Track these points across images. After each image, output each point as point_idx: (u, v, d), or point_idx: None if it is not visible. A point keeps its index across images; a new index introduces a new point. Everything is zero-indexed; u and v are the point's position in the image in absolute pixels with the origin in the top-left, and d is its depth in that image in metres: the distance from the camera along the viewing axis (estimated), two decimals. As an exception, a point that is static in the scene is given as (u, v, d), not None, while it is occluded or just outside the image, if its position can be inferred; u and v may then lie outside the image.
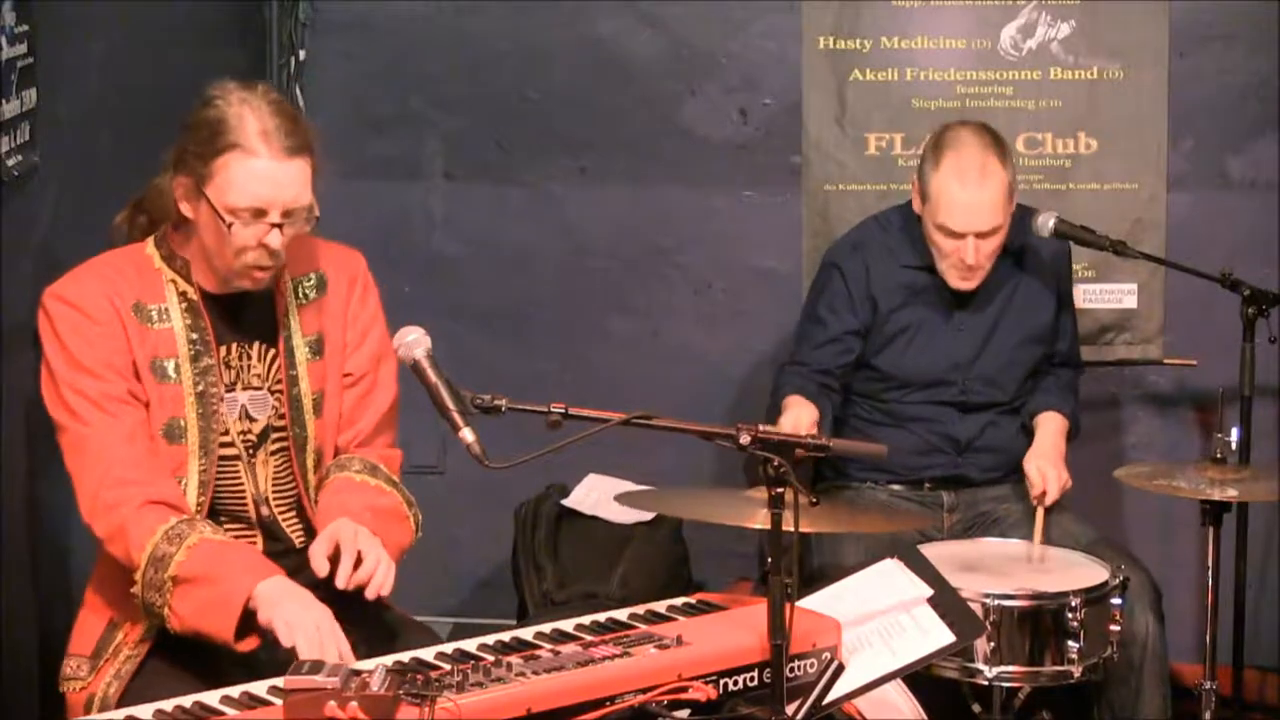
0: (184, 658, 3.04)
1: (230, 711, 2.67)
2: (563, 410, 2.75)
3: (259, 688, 2.74)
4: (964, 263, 4.08)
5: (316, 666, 2.55)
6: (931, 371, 4.22)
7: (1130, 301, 4.86)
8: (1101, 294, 4.84)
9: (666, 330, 4.95)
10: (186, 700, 2.70)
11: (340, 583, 2.98)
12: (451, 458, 4.86)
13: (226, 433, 3.17)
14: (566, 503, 4.59)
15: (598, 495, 4.57)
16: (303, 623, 2.87)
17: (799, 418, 3.98)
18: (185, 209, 3.10)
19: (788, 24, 4.82)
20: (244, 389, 3.19)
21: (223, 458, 3.16)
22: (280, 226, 3.06)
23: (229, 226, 3.03)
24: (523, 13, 4.85)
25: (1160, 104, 4.78)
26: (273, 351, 3.21)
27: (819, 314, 4.28)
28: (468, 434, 2.75)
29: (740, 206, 4.90)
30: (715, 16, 4.83)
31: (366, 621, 3.12)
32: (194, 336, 3.13)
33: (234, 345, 3.18)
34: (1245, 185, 4.81)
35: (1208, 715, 3.83)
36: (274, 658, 2.88)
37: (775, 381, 4.26)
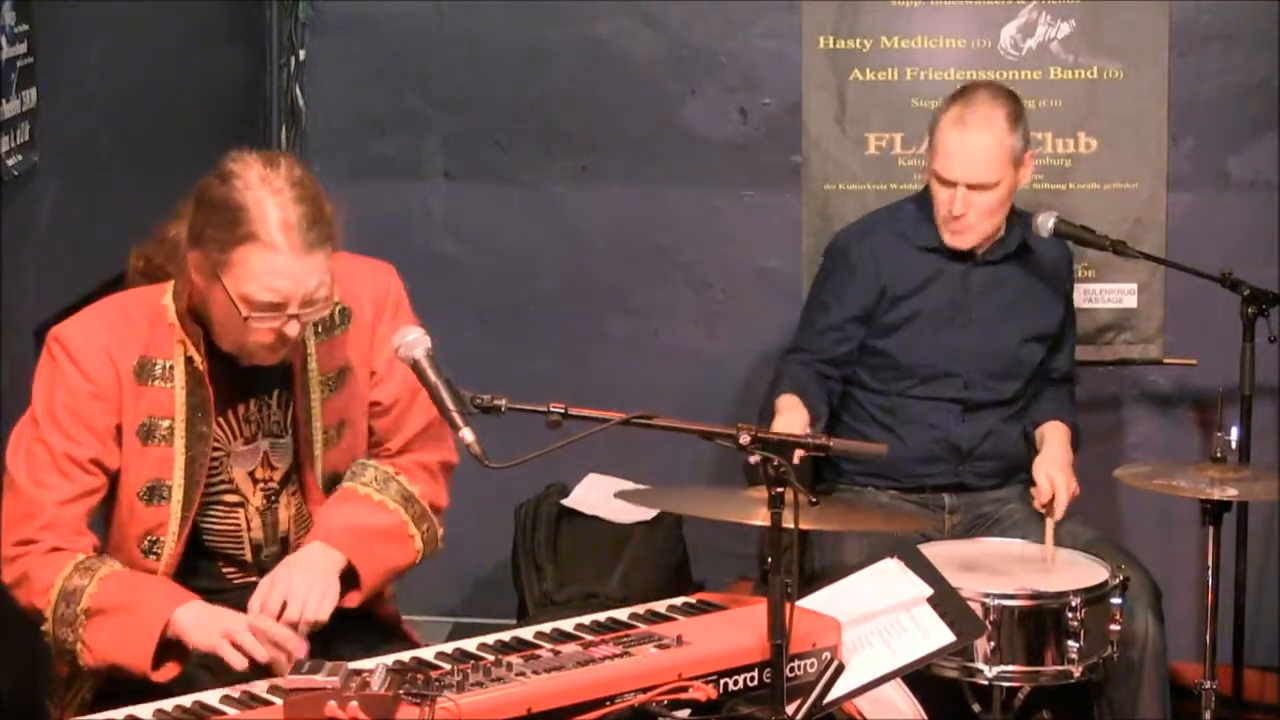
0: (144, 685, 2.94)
1: (230, 711, 2.67)
2: (563, 410, 2.75)
3: (259, 687, 2.74)
4: (953, 216, 4.09)
5: (316, 666, 2.55)
6: (937, 361, 4.20)
7: (1130, 301, 4.86)
8: (1101, 294, 4.84)
9: (666, 330, 4.95)
10: (186, 700, 2.70)
11: (260, 658, 2.86)
12: (451, 458, 4.86)
13: (230, 483, 3.09)
14: (566, 503, 4.59)
15: (598, 495, 4.57)
16: (218, 641, 2.83)
17: (790, 421, 3.96)
18: (199, 283, 2.95)
19: (788, 24, 4.82)
20: (265, 437, 3.10)
21: (222, 504, 3.09)
22: (298, 317, 2.92)
23: (245, 320, 2.89)
24: (523, 13, 4.85)
25: (1160, 104, 4.78)
26: (290, 398, 3.10)
27: (822, 299, 4.27)
28: (468, 434, 2.75)
29: (740, 206, 4.90)
30: (715, 16, 4.84)
31: (355, 627, 3.11)
32: (194, 403, 3.01)
33: (251, 400, 3.07)
34: (1245, 185, 4.81)
35: (1208, 715, 3.83)
36: (214, 678, 2.84)
37: (775, 370, 4.25)
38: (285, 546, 3.16)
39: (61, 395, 2.96)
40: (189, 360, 3.01)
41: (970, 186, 4.06)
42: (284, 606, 2.93)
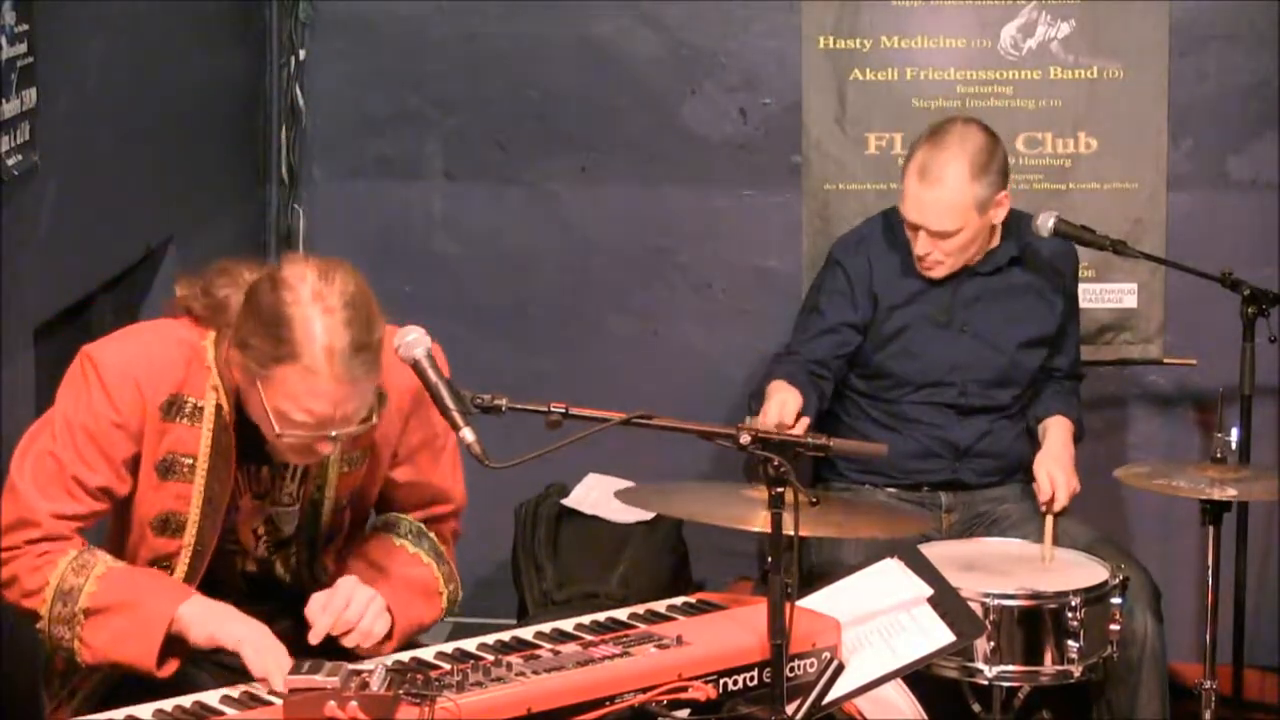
0: (142, 681, 2.91)
1: (230, 711, 2.67)
2: (563, 410, 2.75)
3: (259, 687, 2.74)
4: (917, 257, 4.13)
5: (316, 666, 2.55)
6: (931, 372, 4.22)
7: (1130, 301, 4.86)
8: (1101, 294, 4.84)
9: (666, 330, 4.95)
10: (186, 700, 2.70)
11: (313, 639, 2.87)
12: (452, 457, 4.86)
13: (233, 531, 3.05)
14: (566, 502, 4.59)
15: (598, 495, 4.57)
16: (237, 634, 2.82)
17: (784, 402, 3.95)
18: (240, 380, 2.87)
19: (788, 24, 4.82)
20: (273, 504, 3.06)
21: (222, 551, 3.05)
22: (335, 439, 2.85)
23: (279, 436, 2.82)
24: (523, 13, 4.85)
25: (1160, 104, 4.78)
26: (305, 472, 3.04)
27: (817, 305, 4.29)
28: (468, 433, 2.75)
29: (740, 206, 4.90)
30: (715, 16, 4.83)
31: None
32: (219, 447, 2.95)
33: (266, 469, 3.02)
34: (1245, 185, 4.81)
35: (1208, 715, 3.83)
36: (215, 675, 2.84)
37: (767, 370, 4.26)
38: (277, 581, 3.13)
39: (84, 417, 2.90)
40: (219, 409, 2.95)
41: (930, 233, 4.08)
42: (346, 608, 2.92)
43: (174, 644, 2.88)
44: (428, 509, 3.20)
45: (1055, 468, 4.09)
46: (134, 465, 2.94)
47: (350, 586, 2.95)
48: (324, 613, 2.91)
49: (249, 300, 2.84)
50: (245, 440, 2.96)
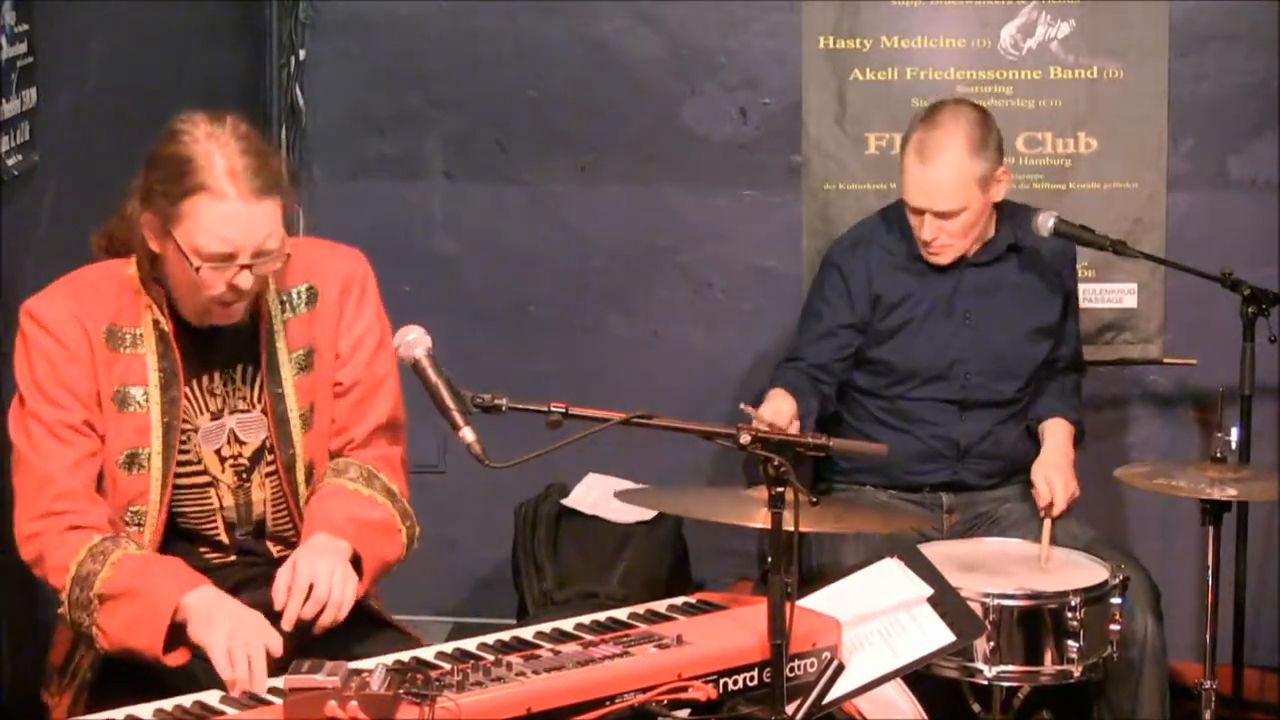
0: (135, 676, 2.95)
1: (230, 711, 2.67)
2: (563, 410, 2.75)
3: (259, 688, 2.75)
4: (923, 241, 4.13)
5: (316, 666, 2.55)
6: (935, 364, 4.21)
7: (1130, 301, 4.86)
8: (1101, 294, 4.84)
9: (666, 330, 4.95)
10: (186, 700, 2.70)
11: (286, 624, 2.90)
12: (452, 457, 4.86)
13: (199, 462, 3.12)
14: (566, 502, 4.59)
15: (598, 495, 4.57)
16: (217, 641, 2.82)
17: (779, 409, 3.96)
18: (153, 245, 3.01)
19: (788, 24, 4.82)
20: (231, 413, 3.13)
21: (192, 485, 3.12)
22: (250, 268, 2.96)
23: (196, 270, 2.94)
24: (523, 13, 4.85)
25: (1160, 104, 4.78)
26: (258, 372, 3.14)
27: (815, 308, 4.30)
28: (468, 433, 2.75)
29: (740, 206, 4.90)
30: (715, 16, 4.83)
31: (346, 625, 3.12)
32: (164, 366, 3.07)
33: (216, 373, 3.12)
34: (1245, 185, 4.81)
35: (1208, 715, 3.83)
36: (211, 671, 2.83)
37: (770, 377, 4.26)
38: (261, 530, 3.18)
39: (41, 365, 3.01)
40: (156, 324, 3.07)
41: (935, 214, 4.08)
42: (311, 588, 2.94)
43: (183, 632, 2.90)
44: (375, 430, 3.23)
45: (1053, 473, 4.09)
46: (99, 400, 3.04)
47: (309, 564, 2.97)
48: (290, 596, 2.93)
49: (150, 161, 3.01)
50: (188, 355, 3.07)
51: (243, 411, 3.13)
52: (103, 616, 2.92)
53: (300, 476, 3.18)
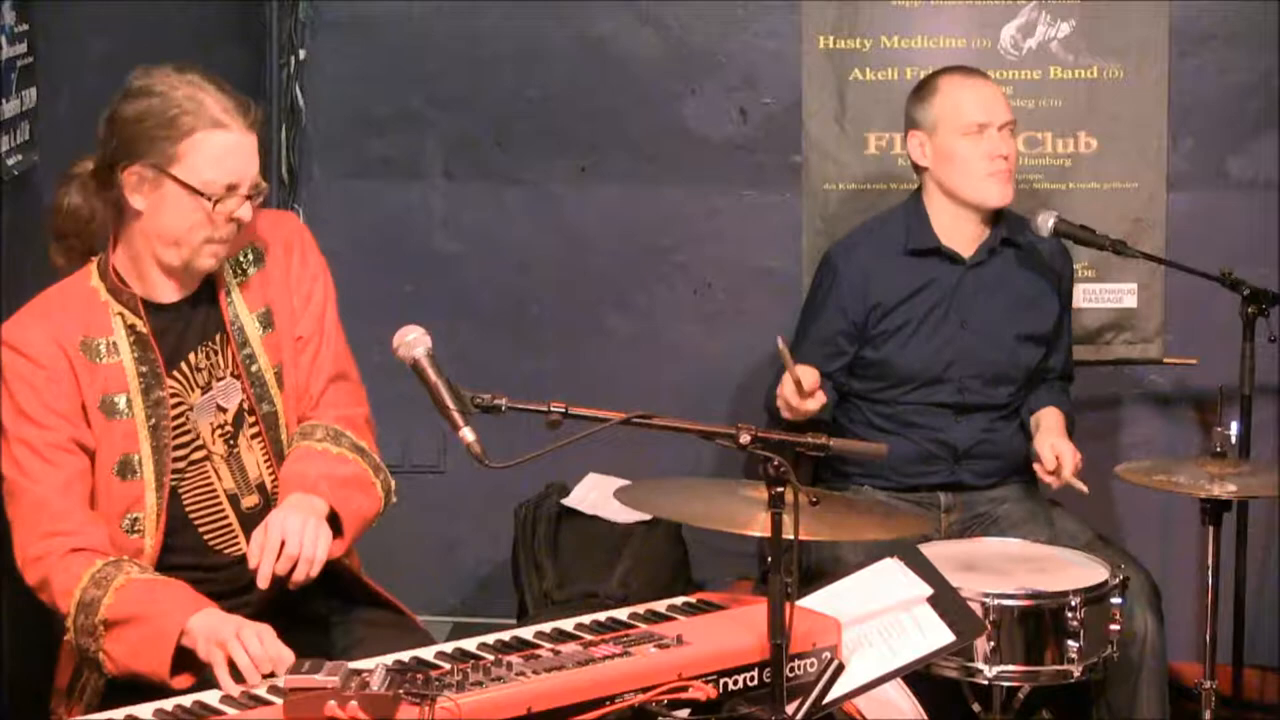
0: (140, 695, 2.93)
1: (230, 711, 2.67)
2: (563, 410, 2.75)
3: (260, 687, 2.74)
4: (1002, 156, 4.14)
5: (316, 666, 2.55)
6: (931, 368, 4.22)
7: (1130, 301, 4.86)
8: (1101, 294, 4.84)
9: (666, 330, 4.95)
10: (186, 700, 2.71)
11: (261, 582, 2.95)
12: (451, 457, 4.86)
13: (197, 438, 3.13)
14: (566, 502, 4.59)
15: (598, 494, 4.57)
16: (214, 654, 2.83)
17: (806, 369, 3.95)
18: (136, 200, 3.04)
19: (788, 24, 4.82)
20: (217, 382, 3.16)
21: (191, 463, 3.13)
22: (250, 199, 3.06)
23: (212, 202, 3.00)
24: (523, 13, 4.85)
25: (1160, 104, 4.78)
26: (227, 339, 3.17)
27: (813, 313, 4.32)
28: (468, 433, 2.75)
29: (740, 206, 4.90)
30: (715, 16, 4.84)
31: (346, 621, 3.12)
32: (144, 369, 3.08)
33: (196, 351, 3.14)
34: (1245, 185, 4.81)
35: (1208, 714, 3.83)
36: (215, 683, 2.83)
37: (772, 381, 4.26)
38: (265, 496, 3.19)
39: (22, 391, 3.03)
40: (131, 328, 3.09)
41: (1000, 127, 4.14)
42: (283, 545, 2.96)
43: (190, 655, 2.89)
44: (330, 380, 3.25)
45: (1058, 440, 4.10)
46: (85, 414, 3.05)
47: (280, 522, 2.99)
48: (263, 554, 2.95)
49: (115, 122, 3.06)
50: (167, 344, 3.10)
51: (220, 380, 3.16)
52: (109, 643, 2.92)
53: (283, 435, 3.20)
